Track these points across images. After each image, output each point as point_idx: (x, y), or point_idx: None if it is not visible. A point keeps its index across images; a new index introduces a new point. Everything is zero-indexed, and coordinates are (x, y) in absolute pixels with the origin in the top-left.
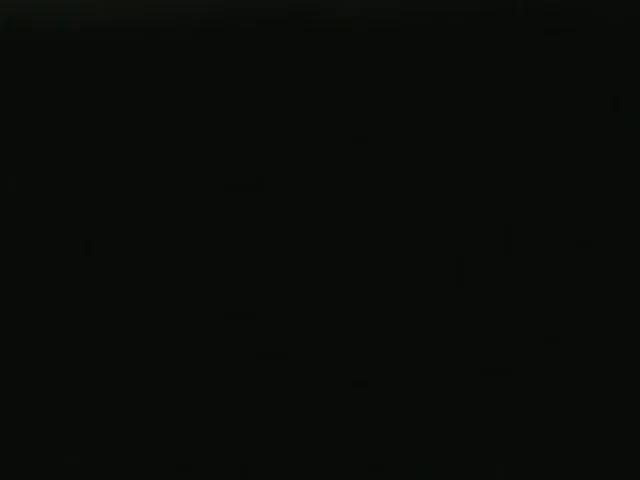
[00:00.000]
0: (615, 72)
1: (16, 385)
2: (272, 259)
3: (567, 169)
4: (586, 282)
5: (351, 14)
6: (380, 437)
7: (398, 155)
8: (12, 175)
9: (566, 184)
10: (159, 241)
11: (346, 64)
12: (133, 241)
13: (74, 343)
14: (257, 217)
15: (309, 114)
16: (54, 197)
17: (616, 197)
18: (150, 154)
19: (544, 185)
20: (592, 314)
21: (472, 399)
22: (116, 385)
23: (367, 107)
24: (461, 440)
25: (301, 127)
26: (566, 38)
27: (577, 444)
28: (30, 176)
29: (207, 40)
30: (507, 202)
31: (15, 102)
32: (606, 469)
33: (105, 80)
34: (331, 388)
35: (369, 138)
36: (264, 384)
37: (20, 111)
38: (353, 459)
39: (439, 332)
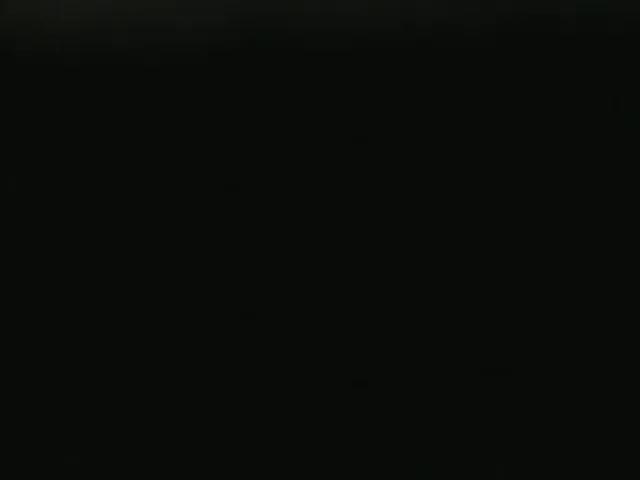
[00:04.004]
0: (615, 73)
1: (16, 385)
2: (272, 259)
3: (567, 170)
4: (586, 282)
5: (347, 20)
6: (380, 437)
7: (398, 156)
8: (12, 175)
9: (566, 184)
10: (159, 242)
11: (345, 69)
12: (134, 242)
13: (74, 343)
14: (258, 217)
15: (309, 116)
16: (53, 199)
17: (616, 197)
18: (149, 155)
19: (544, 186)
20: (592, 314)
21: (472, 399)
22: (116, 385)
23: (367, 109)
24: (461, 440)
25: (302, 128)
26: (566, 38)
27: (577, 444)
28: (30, 177)
29: (205, 46)
30: (507, 203)
31: (16, 108)
32: (606, 469)
33: (104, 87)
34: (331, 388)
35: (369, 138)
36: (264, 384)
37: (21, 115)
38: (353, 459)
39: (439, 332)
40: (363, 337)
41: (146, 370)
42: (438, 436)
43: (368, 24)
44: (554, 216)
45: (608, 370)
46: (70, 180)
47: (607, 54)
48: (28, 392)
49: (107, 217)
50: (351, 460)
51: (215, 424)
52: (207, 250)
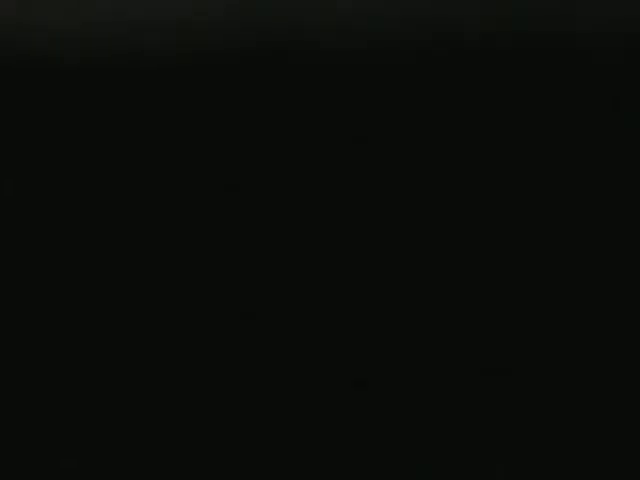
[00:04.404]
0: (615, 72)
1: (13, 387)
2: (272, 259)
3: (567, 170)
4: (586, 282)
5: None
6: (380, 437)
7: (398, 157)
8: (10, 179)
9: (566, 185)
10: (160, 242)
11: (344, 69)
12: (134, 243)
13: (72, 345)
14: (258, 218)
15: (308, 116)
16: (52, 202)
17: (616, 198)
18: (149, 159)
19: (544, 185)
20: (592, 314)
21: (472, 399)
22: (114, 386)
23: (367, 110)
24: (461, 440)
25: (300, 128)
26: (566, 39)
27: (577, 444)
28: (29, 181)
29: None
30: (507, 203)
31: (14, 112)
32: (606, 469)
33: (103, 92)
34: (331, 388)
35: (369, 139)
36: (264, 384)
37: (20, 120)
38: (353, 459)
39: (439, 332)
40: (363, 337)
41: (145, 371)
42: (438, 436)
43: (371, 24)
44: (554, 217)
45: (608, 370)
46: (70, 185)
47: (607, 54)
48: (25, 394)
49: (109, 220)
50: (351, 460)
51: (215, 424)
52: (207, 250)
